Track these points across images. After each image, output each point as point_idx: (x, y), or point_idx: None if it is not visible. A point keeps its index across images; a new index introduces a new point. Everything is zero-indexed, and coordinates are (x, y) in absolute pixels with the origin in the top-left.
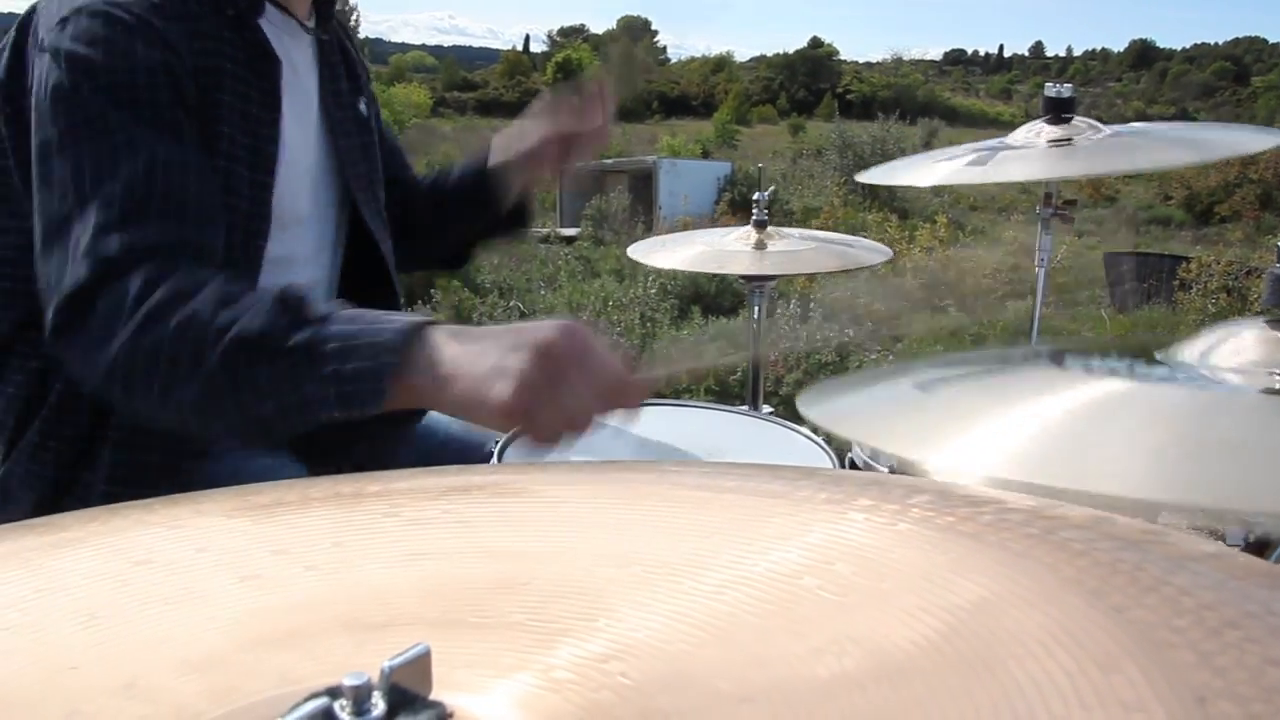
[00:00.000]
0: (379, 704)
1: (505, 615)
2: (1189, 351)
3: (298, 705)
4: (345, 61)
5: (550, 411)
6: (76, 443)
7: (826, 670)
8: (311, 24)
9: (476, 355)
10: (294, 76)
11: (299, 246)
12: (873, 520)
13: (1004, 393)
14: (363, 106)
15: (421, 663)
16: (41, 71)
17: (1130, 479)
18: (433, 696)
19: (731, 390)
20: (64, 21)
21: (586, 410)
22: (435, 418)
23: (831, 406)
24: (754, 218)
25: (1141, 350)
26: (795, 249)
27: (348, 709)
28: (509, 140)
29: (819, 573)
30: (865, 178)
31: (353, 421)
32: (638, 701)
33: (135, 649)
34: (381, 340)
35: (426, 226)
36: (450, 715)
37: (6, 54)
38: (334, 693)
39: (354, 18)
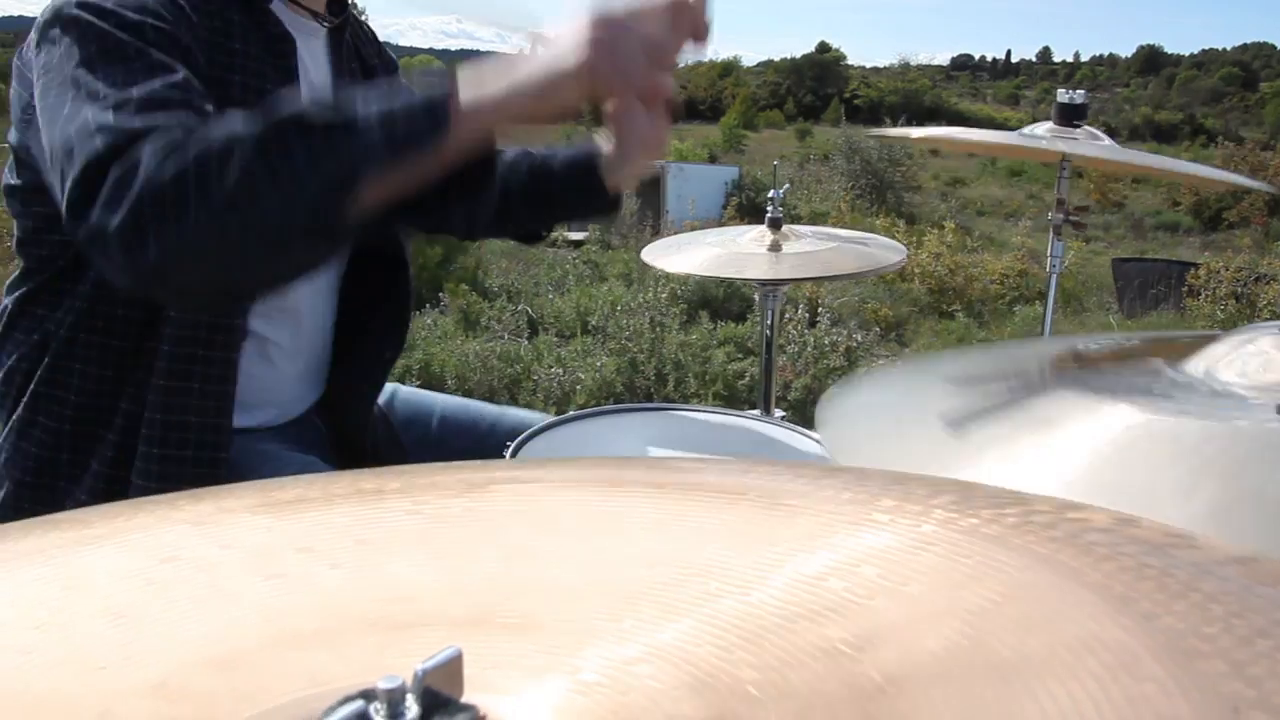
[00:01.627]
0: (413, 707)
1: (531, 615)
2: (1204, 361)
3: (332, 709)
4: (363, 67)
5: (632, 55)
6: (66, 422)
7: (855, 675)
8: (325, 17)
9: (536, 49)
10: (305, 67)
11: None
12: (897, 521)
13: (1027, 424)
14: None
15: (453, 665)
16: (51, 20)
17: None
18: (465, 699)
19: (739, 395)
20: None
21: (664, 38)
22: (445, 414)
23: (850, 434)
24: (769, 216)
25: (1155, 354)
26: (811, 249)
27: (382, 712)
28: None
29: (844, 575)
30: (881, 130)
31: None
32: (667, 705)
33: (164, 648)
34: (425, 82)
35: (519, 206)
36: (483, 718)
37: (32, 35)
38: (368, 695)
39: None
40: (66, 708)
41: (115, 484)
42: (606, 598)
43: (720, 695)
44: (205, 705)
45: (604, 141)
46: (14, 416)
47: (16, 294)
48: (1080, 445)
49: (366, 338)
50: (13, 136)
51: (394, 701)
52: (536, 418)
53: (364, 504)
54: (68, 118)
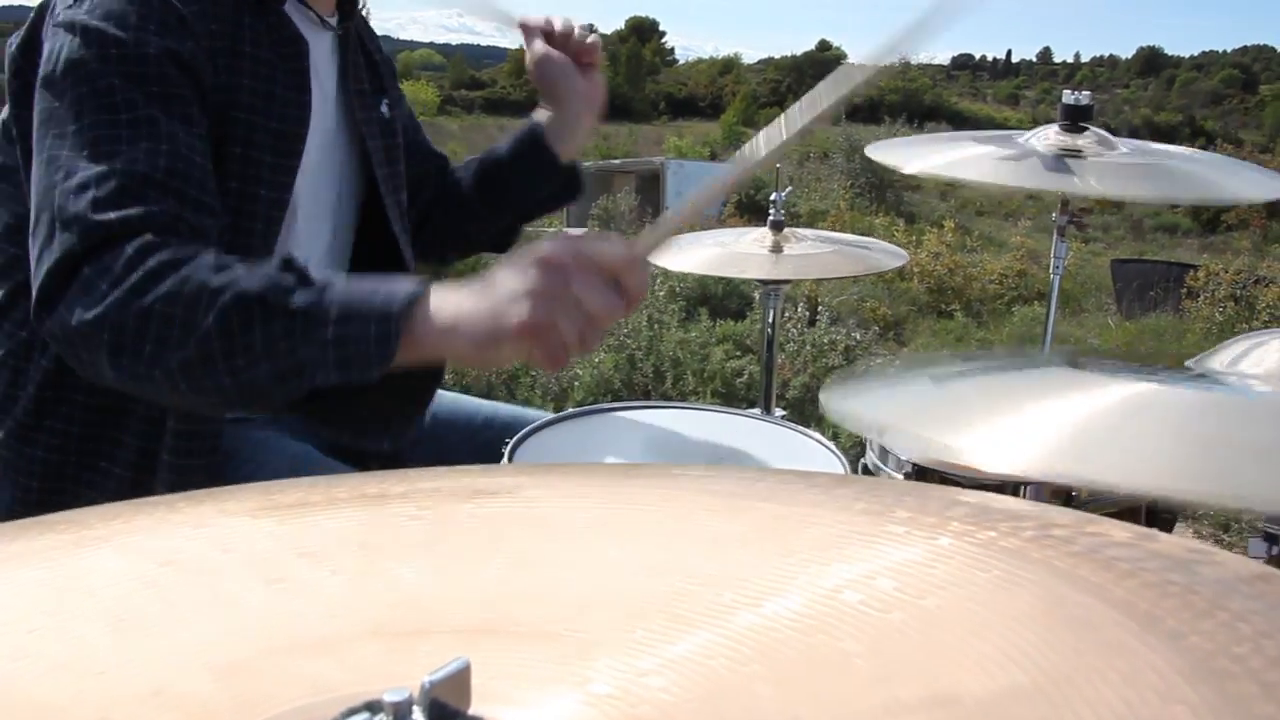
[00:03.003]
0: None
1: (538, 624)
2: (1214, 361)
3: None
4: (368, 63)
5: (569, 317)
6: (76, 425)
7: (875, 693)
8: (334, 21)
9: (481, 293)
10: (315, 70)
11: (314, 241)
12: (912, 533)
13: (1029, 390)
14: (385, 109)
15: (461, 677)
16: (55, 45)
17: (1156, 477)
18: (472, 711)
19: (737, 393)
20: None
21: (603, 302)
22: (445, 411)
23: (855, 404)
24: (771, 218)
25: (1163, 358)
26: (812, 252)
27: None
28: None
29: (860, 587)
30: (878, 157)
31: (357, 395)
32: (680, 719)
33: (163, 654)
34: (385, 304)
35: (479, 208)
36: None
37: (24, 32)
38: (373, 707)
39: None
40: (62, 714)
41: (140, 489)
42: (616, 607)
43: (735, 709)
44: (203, 713)
45: (543, 113)
46: (10, 418)
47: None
48: (1081, 407)
49: None
50: None
51: (400, 714)
52: (531, 414)
53: (367, 508)
54: (47, 188)
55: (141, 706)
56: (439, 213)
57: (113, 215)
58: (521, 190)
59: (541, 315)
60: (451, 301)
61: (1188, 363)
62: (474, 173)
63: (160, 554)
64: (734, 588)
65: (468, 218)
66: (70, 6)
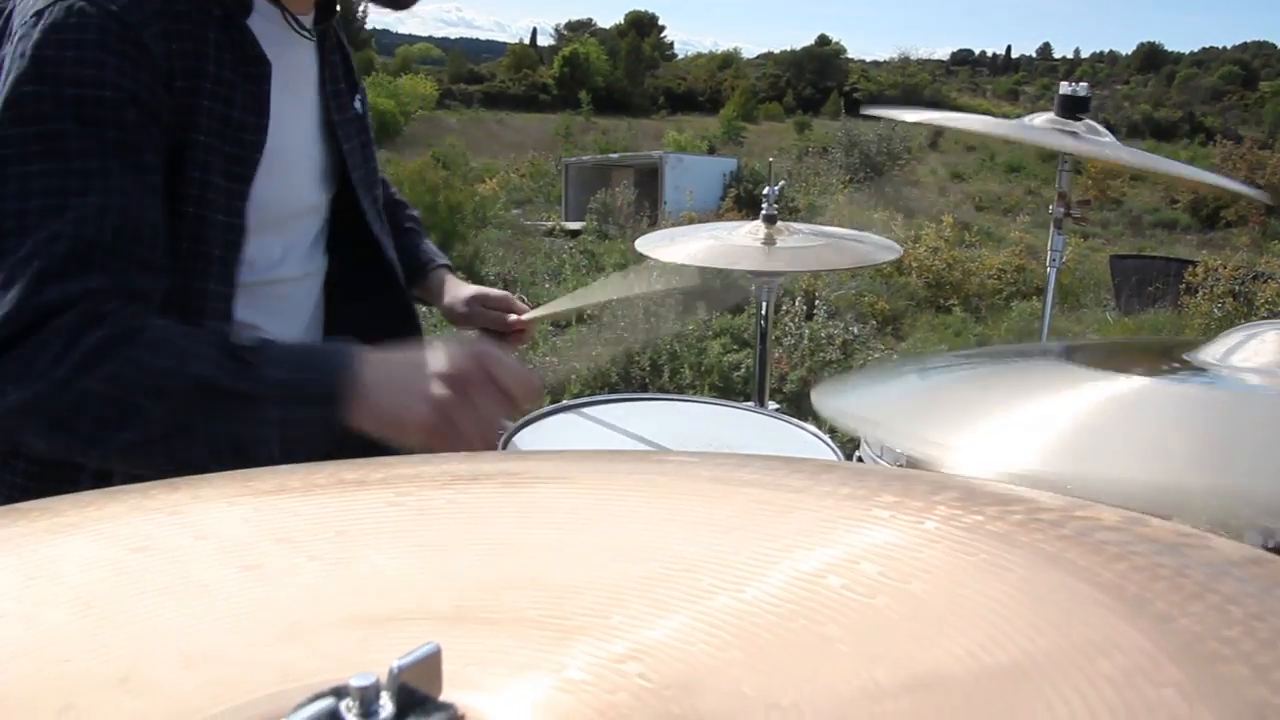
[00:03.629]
0: (387, 705)
1: (516, 610)
2: (1210, 352)
3: (302, 706)
4: (344, 61)
5: (466, 423)
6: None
7: (856, 677)
8: (310, 21)
9: (393, 383)
10: (290, 78)
11: (293, 248)
12: (898, 517)
13: (1023, 387)
14: (358, 104)
15: (431, 662)
16: (8, 68)
17: (1152, 473)
18: (443, 697)
19: (735, 386)
20: (39, 14)
21: (499, 413)
22: None
23: (846, 401)
24: (764, 212)
25: (1161, 350)
26: (805, 245)
27: (354, 710)
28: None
29: (844, 572)
30: (879, 111)
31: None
32: (656, 705)
33: (132, 641)
34: (326, 384)
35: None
36: (462, 717)
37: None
38: (340, 693)
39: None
40: (26, 701)
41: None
42: (595, 593)
43: (712, 696)
44: (171, 700)
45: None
46: None
47: None
48: (1076, 403)
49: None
50: None
51: (367, 699)
52: None
53: (346, 494)
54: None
55: (108, 693)
56: None
57: (54, 292)
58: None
59: (441, 421)
60: (369, 381)
61: (1184, 355)
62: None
63: (132, 540)
64: (714, 573)
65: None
66: (28, 22)
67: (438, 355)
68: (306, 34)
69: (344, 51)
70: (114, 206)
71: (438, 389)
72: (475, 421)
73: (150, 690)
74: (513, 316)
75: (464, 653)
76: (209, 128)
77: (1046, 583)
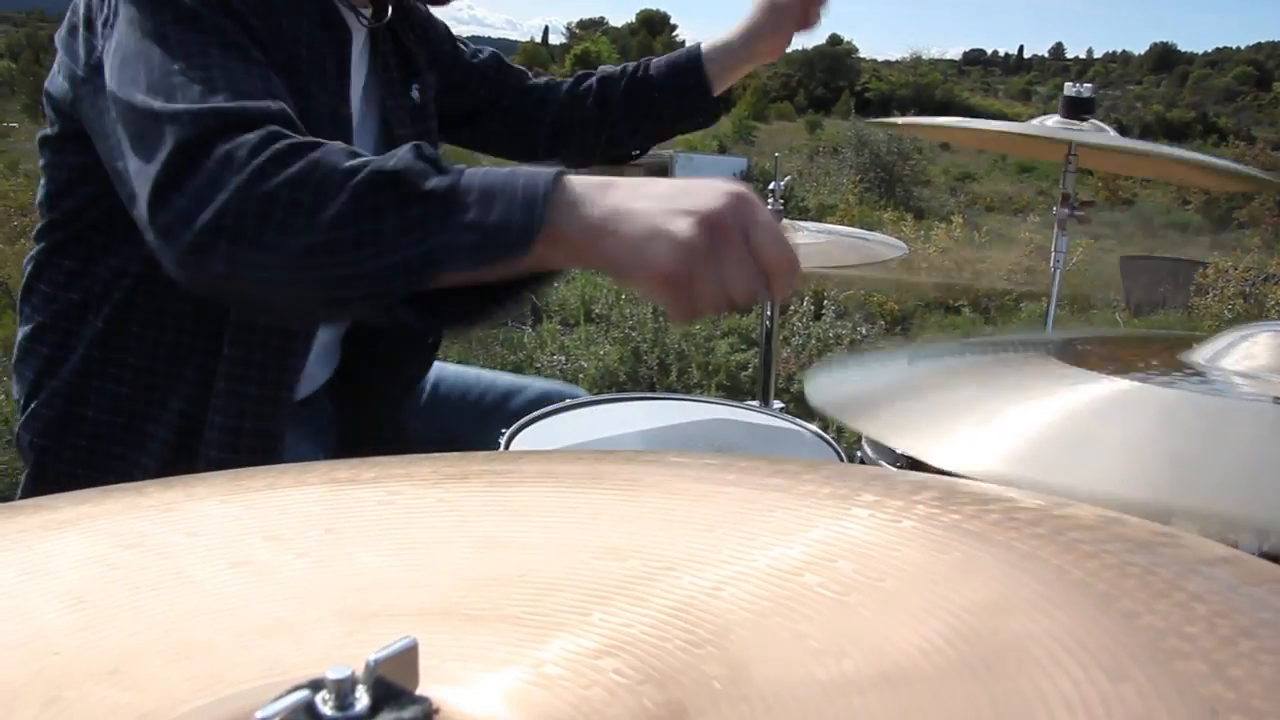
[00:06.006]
0: (363, 698)
1: (498, 607)
2: (1202, 353)
3: (278, 698)
4: (398, 50)
5: (708, 283)
6: (125, 385)
7: (825, 672)
8: (367, 14)
9: (636, 212)
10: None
11: None
12: (876, 516)
13: (1014, 388)
14: (415, 94)
15: (408, 655)
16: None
17: (1139, 482)
18: (419, 690)
19: (742, 386)
20: None
21: (746, 286)
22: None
23: (838, 394)
24: (769, 208)
25: (1154, 348)
26: (811, 242)
27: (330, 702)
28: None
29: (820, 570)
30: (887, 120)
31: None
32: (629, 700)
33: (121, 635)
34: (528, 188)
35: (618, 121)
36: (436, 710)
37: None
38: (316, 685)
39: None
40: (13, 692)
41: (183, 452)
42: (576, 591)
43: (684, 690)
44: (157, 693)
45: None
46: (57, 380)
47: (41, 247)
48: (1064, 405)
49: (380, 339)
50: (54, 86)
51: (343, 692)
52: (528, 384)
53: (337, 493)
54: (140, 105)
55: (96, 685)
56: (575, 124)
57: (229, 104)
58: (663, 115)
59: (683, 269)
60: (606, 206)
61: (1178, 355)
62: (621, 89)
63: (125, 537)
64: (693, 571)
65: (602, 132)
66: None
67: (697, 190)
68: (363, 22)
69: (402, 45)
70: (256, 73)
71: (689, 230)
72: (715, 285)
73: (138, 682)
74: None
75: (444, 648)
76: (313, 79)
77: (1015, 581)
